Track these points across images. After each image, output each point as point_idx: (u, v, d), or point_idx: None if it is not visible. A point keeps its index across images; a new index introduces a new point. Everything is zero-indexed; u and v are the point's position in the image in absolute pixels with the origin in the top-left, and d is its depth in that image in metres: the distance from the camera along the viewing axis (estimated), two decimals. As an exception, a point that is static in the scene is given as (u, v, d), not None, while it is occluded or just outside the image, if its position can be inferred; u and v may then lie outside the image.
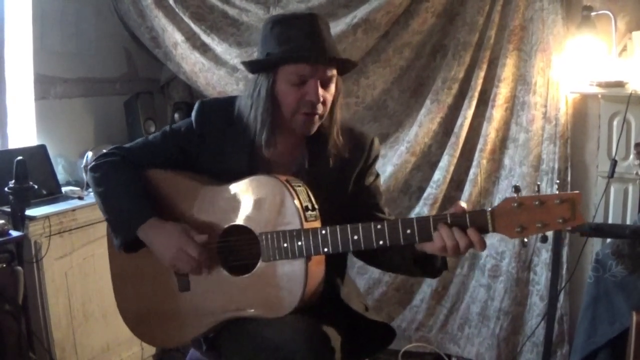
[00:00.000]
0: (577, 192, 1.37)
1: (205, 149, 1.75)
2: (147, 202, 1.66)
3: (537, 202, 1.37)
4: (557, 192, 1.39)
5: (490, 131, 3.01)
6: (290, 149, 1.75)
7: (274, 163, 1.73)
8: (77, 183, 3.13)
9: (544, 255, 2.93)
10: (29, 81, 3.08)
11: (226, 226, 1.65)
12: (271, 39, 1.65)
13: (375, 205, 1.78)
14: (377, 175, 1.84)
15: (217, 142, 1.73)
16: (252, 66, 1.69)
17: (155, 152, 1.77)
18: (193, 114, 1.78)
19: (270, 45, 1.65)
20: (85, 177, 3.00)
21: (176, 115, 3.61)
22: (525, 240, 1.42)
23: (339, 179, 1.74)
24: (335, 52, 1.65)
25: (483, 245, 1.43)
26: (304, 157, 1.74)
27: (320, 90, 1.63)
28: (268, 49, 1.65)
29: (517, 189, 1.40)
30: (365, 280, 3.21)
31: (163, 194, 1.71)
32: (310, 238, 1.53)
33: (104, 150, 1.81)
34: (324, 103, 1.65)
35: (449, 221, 1.43)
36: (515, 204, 1.38)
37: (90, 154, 3.01)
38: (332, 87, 1.67)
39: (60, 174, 3.10)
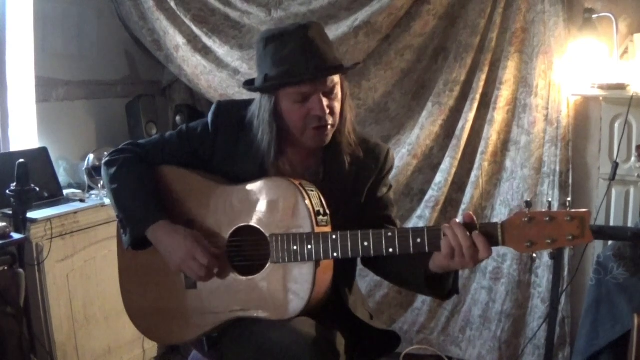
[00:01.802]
0: (586, 210, 1.37)
1: (219, 150, 1.74)
2: (157, 203, 1.66)
3: (547, 218, 1.36)
4: (568, 209, 1.37)
5: (492, 134, 3.01)
6: (304, 160, 1.74)
7: (286, 172, 1.71)
8: (79, 186, 3.12)
9: (545, 257, 2.93)
10: (31, 84, 3.07)
11: (236, 226, 1.65)
12: (266, 59, 1.63)
13: (386, 217, 1.77)
14: (390, 187, 1.82)
15: (230, 144, 1.73)
16: (252, 90, 1.69)
17: (169, 150, 1.77)
18: (209, 114, 1.77)
19: (266, 67, 1.62)
20: (87, 179, 3.01)
21: (178, 118, 3.62)
22: (534, 255, 1.42)
23: (352, 190, 1.73)
24: (333, 61, 1.62)
25: (488, 249, 1.42)
26: (318, 167, 1.73)
27: (326, 102, 1.61)
28: (265, 69, 1.63)
29: (528, 204, 1.40)
30: (367, 283, 3.21)
31: (175, 191, 1.72)
32: (321, 242, 1.53)
33: (120, 146, 1.81)
34: (332, 113, 1.63)
35: None
36: (526, 219, 1.38)
37: (91, 156, 3.01)
38: (338, 92, 1.65)
39: (62, 177, 3.10)
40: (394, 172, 3.08)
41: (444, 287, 1.59)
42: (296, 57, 1.58)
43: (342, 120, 1.68)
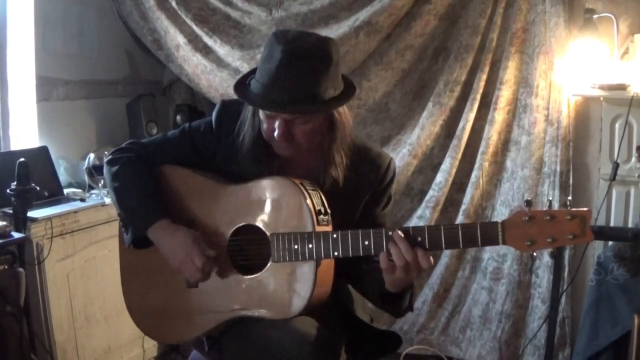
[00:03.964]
0: (587, 209, 1.37)
1: (222, 149, 1.74)
2: (159, 202, 1.66)
3: (548, 217, 1.36)
4: (568, 208, 1.37)
5: (492, 134, 3.01)
6: (306, 160, 1.71)
7: (288, 172, 1.69)
8: (79, 185, 3.12)
9: (546, 258, 2.93)
10: (31, 83, 3.08)
11: (238, 225, 1.65)
12: (261, 58, 1.59)
13: None
14: (389, 201, 1.79)
15: (233, 143, 1.72)
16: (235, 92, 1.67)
17: (171, 150, 1.76)
18: (214, 113, 1.77)
19: (258, 66, 1.59)
20: (87, 179, 3.01)
21: (178, 117, 3.62)
22: (535, 254, 1.42)
23: (352, 196, 1.72)
24: (304, 98, 1.51)
25: (427, 262, 1.44)
26: (320, 170, 1.69)
27: (285, 127, 1.55)
28: (257, 69, 1.60)
29: (528, 203, 1.39)
30: (367, 283, 3.21)
31: (176, 190, 1.72)
32: (322, 241, 1.52)
33: (122, 145, 1.81)
34: (290, 139, 1.58)
35: (460, 231, 1.43)
36: (527, 218, 1.38)
37: (92, 155, 3.00)
38: (308, 120, 1.57)
39: (62, 176, 3.10)
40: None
41: (399, 305, 1.61)
42: (268, 79, 1.53)
43: (331, 140, 1.64)
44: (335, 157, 1.65)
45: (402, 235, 1.45)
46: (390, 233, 1.48)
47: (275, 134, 1.57)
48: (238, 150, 1.71)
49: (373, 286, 1.62)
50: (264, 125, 1.61)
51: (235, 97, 1.65)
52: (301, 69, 1.51)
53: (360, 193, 1.73)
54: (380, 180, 1.74)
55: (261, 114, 1.60)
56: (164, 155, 1.76)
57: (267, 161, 1.68)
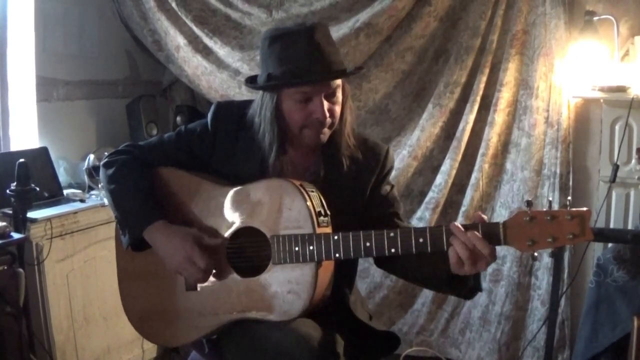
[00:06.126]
0: (587, 209, 1.38)
1: (218, 151, 1.74)
2: (155, 204, 1.66)
3: (548, 217, 1.37)
4: (568, 208, 1.38)
5: (492, 135, 3.01)
6: (304, 158, 1.74)
7: (286, 172, 1.71)
8: (79, 185, 3.12)
9: (545, 259, 2.93)
10: (31, 83, 3.08)
11: (237, 227, 1.64)
12: (270, 57, 1.62)
13: (395, 214, 1.76)
14: (393, 186, 1.82)
15: (230, 145, 1.73)
16: (255, 88, 1.69)
17: (168, 152, 1.76)
18: (209, 115, 1.77)
19: (270, 65, 1.62)
20: (87, 179, 3.01)
21: (178, 118, 3.62)
22: (536, 254, 1.43)
23: (354, 189, 1.73)
24: (338, 65, 1.62)
25: (493, 255, 1.42)
26: (319, 167, 1.73)
27: (327, 105, 1.61)
28: (269, 68, 1.62)
29: (529, 203, 1.40)
30: (366, 284, 3.21)
31: (174, 193, 1.72)
32: (322, 243, 1.52)
33: (119, 147, 1.81)
34: (332, 115, 1.64)
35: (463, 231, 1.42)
36: (528, 218, 1.38)
37: (92, 156, 3.01)
38: (339, 95, 1.66)
39: (62, 177, 3.10)
40: (393, 173, 3.09)
41: (465, 285, 1.57)
42: (301, 57, 1.58)
43: (341, 122, 1.69)
44: (348, 138, 1.70)
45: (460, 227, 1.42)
46: (391, 234, 1.48)
47: (318, 114, 1.60)
48: (235, 152, 1.72)
49: (439, 271, 1.56)
50: (296, 115, 1.62)
51: (231, 98, 1.66)
52: (328, 43, 1.61)
53: (362, 184, 1.74)
54: (380, 168, 1.77)
55: (290, 104, 1.62)
56: (161, 158, 1.76)
57: (275, 160, 1.69)
